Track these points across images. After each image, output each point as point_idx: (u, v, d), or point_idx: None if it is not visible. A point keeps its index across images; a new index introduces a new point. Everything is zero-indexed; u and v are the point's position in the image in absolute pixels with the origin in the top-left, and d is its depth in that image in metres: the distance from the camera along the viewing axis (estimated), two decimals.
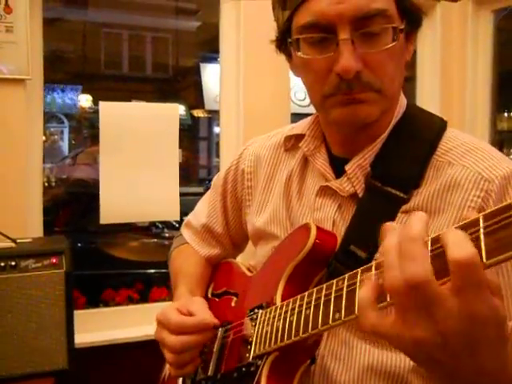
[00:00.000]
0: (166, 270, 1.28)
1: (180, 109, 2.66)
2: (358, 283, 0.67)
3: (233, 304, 1.04)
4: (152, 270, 3.79)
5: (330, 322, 0.70)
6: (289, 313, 0.81)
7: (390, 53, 0.82)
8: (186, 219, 1.30)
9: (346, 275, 0.70)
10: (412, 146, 0.89)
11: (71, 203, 4.86)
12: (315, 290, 0.77)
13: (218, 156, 2.77)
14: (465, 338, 0.55)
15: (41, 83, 2.17)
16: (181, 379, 1.08)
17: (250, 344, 0.89)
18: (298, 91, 4.06)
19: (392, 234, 0.59)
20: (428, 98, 2.80)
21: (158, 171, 2.30)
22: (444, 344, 0.55)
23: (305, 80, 0.90)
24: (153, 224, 4.50)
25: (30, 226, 2.11)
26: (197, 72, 6.78)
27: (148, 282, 3.25)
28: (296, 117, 1.95)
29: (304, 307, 0.78)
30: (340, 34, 0.80)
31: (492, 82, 2.79)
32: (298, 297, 0.81)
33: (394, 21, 0.82)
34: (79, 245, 4.16)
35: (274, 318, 0.85)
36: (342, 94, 0.83)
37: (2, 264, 1.67)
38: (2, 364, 1.65)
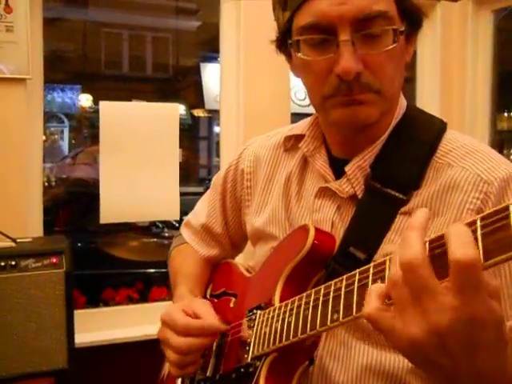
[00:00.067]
0: (166, 269, 1.29)
1: (180, 108, 2.67)
2: (356, 284, 0.67)
3: (231, 305, 1.04)
4: (152, 270, 3.79)
5: (329, 322, 0.71)
6: (287, 314, 0.81)
7: (390, 54, 0.83)
8: (185, 219, 1.30)
9: (345, 276, 0.70)
10: (412, 148, 0.89)
11: (71, 203, 4.86)
12: (313, 291, 0.77)
13: (218, 156, 2.77)
14: (463, 340, 0.55)
15: (41, 83, 2.17)
16: (180, 379, 1.08)
17: (249, 345, 0.89)
18: (298, 91, 4.06)
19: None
20: (428, 98, 2.80)
21: (158, 171, 2.30)
22: (442, 346, 0.55)
23: (305, 81, 0.90)
24: (153, 224, 4.50)
25: (30, 226, 2.11)
26: (197, 72, 6.78)
27: (148, 281, 3.25)
28: (296, 117, 1.95)
29: (302, 308, 0.78)
30: (340, 36, 0.80)
31: (492, 82, 2.79)
32: (297, 298, 0.81)
33: (394, 22, 0.82)
34: (79, 244, 4.16)
35: (272, 318, 0.85)
36: (341, 95, 0.83)
37: (2, 263, 1.67)
38: (1, 364, 1.65)
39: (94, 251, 4.20)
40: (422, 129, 0.91)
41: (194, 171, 7.74)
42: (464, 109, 2.75)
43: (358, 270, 0.68)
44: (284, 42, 0.91)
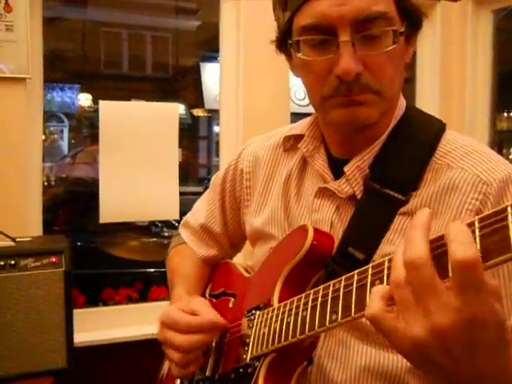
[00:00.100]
0: (165, 269, 1.29)
1: (180, 108, 2.67)
2: (354, 285, 0.67)
3: (230, 305, 1.04)
4: (151, 270, 3.78)
5: (327, 323, 0.71)
6: (286, 314, 0.81)
7: (390, 55, 0.83)
8: (183, 219, 1.30)
9: (343, 277, 0.70)
10: (410, 148, 0.89)
11: (71, 202, 4.86)
12: (312, 291, 0.77)
13: (217, 155, 2.77)
14: (464, 341, 0.55)
15: (41, 82, 2.17)
16: (179, 379, 1.08)
17: (248, 345, 0.89)
18: (297, 91, 4.05)
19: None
20: (428, 98, 2.80)
21: (158, 170, 2.30)
22: (443, 346, 0.55)
23: (305, 81, 0.91)
24: (152, 223, 4.50)
25: (30, 225, 2.11)
26: (197, 71, 6.78)
27: (147, 281, 3.25)
28: (296, 116, 1.95)
29: (301, 308, 0.78)
30: (340, 36, 0.80)
31: (492, 82, 2.78)
32: (295, 298, 0.81)
33: (394, 24, 0.83)
34: (79, 244, 4.16)
35: (271, 319, 0.85)
36: (341, 95, 0.83)
37: (2, 263, 1.67)
38: (0, 363, 1.65)
39: (94, 251, 4.20)
40: (420, 129, 0.91)
41: (194, 171, 7.74)
42: (464, 109, 2.74)
43: (356, 271, 0.68)
44: (284, 42, 0.91)
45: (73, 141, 7.71)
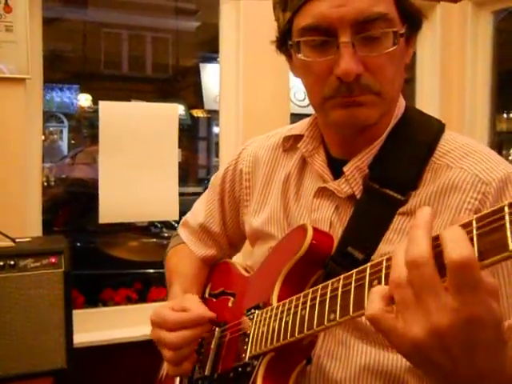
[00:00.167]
0: (164, 269, 1.29)
1: (179, 109, 2.67)
2: (353, 284, 0.67)
3: (230, 304, 1.05)
4: (151, 270, 3.78)
5: (326, 322, 0.71)
6: (285, 313, 0.82)
7: (390, 56, 0.83)
8: (183, 218, 1.30)
9: (342, 276, 0.70)
10: (410, 148, 0.89)
11: (70, 203, 4.86)
12: (311, 290, 0.77)
13: (217, 156, 2.77)
14: (462, 340, 0.55)
15: (40, 82, 2.17)
16: (178, 378, 1.09)
17: (247, 344, 0.89)
18: (297, 91, 4.06)
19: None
20: (427, 99, 2.80)
21: (158, 171, 2.30)
22: (442, 346, 0.55)
23: (305, 81, 0.91)
24: (152, 224, 4.50)
25: (29, 226, 2.11)
26: (196, 72, 6.78)
27: (147, 281, 3.25)
28: (295, 117, 1.95)
29: (300, 308, 0.78)
30: (341, 37, 0.80)
31: (491, 83, 2.79)
32: (294, 297, 0.81)
33: (394, 25, 0.83)
34: (78, 244, 4.16)
35: (270, 318, 0.86)
36: (341, 96, 0.83)
37: (1, 263, 1.67)
38: (0, 363, 1.65)
39: (93, 251, 4.20)
40: (420, 129, 0.92)
41: (193, 171, 7.74)
42: (463, 110, 2.75)
43: (355, 270, 0.68)
44: (284, 43, 0.91)
45: (72, 141, 7.71)
